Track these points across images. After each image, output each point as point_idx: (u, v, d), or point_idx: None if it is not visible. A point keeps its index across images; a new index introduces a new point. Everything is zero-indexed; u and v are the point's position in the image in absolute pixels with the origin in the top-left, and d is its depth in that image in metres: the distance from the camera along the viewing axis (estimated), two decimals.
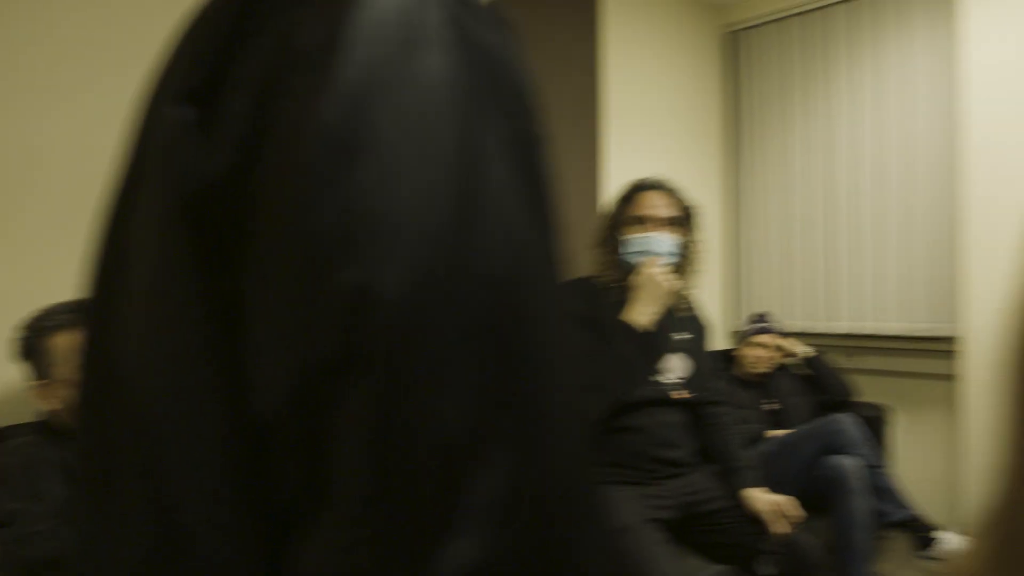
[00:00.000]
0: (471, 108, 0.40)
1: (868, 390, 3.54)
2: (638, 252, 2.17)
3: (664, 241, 2.18)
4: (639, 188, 2.26)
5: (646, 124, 3.75)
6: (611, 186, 3.49)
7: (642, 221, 2.20)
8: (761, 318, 3.45)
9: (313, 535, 0.36)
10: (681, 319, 2.31)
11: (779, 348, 3.34)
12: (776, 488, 2.80)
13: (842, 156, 3.76)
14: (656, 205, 2.22)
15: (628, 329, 2.02)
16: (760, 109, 4.08)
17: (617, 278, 2.21)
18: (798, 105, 3.93)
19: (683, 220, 2.25)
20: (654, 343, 2.06)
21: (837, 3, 3.77)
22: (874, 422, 3.26)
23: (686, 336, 2.29)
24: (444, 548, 0.34)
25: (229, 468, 0.40)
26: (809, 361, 3.36)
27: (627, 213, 2.23)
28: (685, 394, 2.23)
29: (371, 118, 0.37)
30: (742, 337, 3.43)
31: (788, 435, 2.94)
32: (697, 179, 4.03)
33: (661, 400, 2.21)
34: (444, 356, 0.35)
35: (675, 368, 2.25)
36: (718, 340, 4.03)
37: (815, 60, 3.87)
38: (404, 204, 0.36)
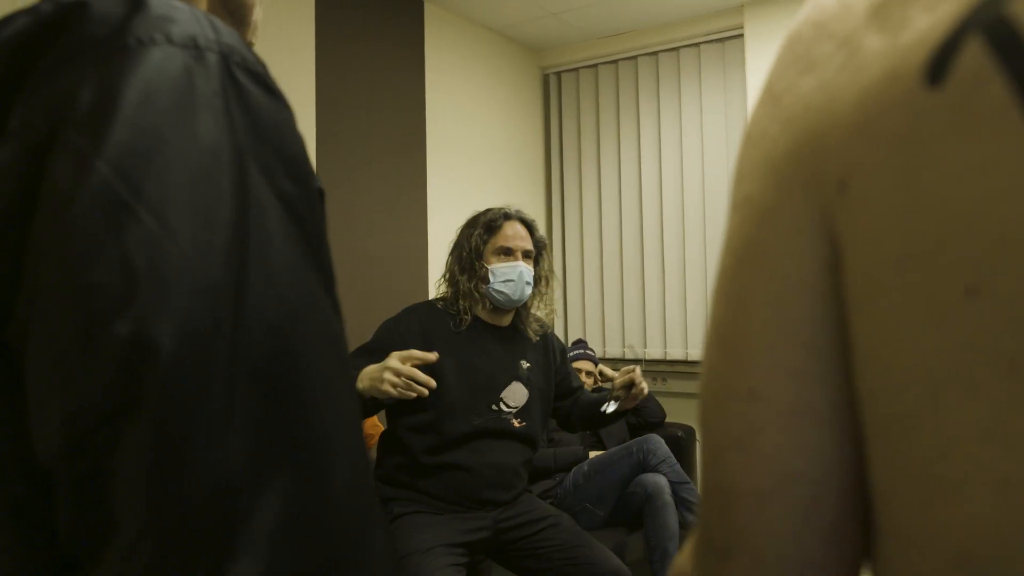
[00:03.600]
0: (244, 168, 0.43)
1: (677, 412, 3.81)
2: (506, 281, 2.21)
3: (528, 272, 2.24)
4: (504, 217, 2.29)
5: (468, 157, 3.87)
6: (433, 216, 3.58)
7: (509, 252, 2.24)
8: (580, 344, 3.65)
9: (98, 573, 0.39)
10: (533, 346, 2.35)
11: (598, 374, 3.54)
12: (595, 504, 2.97)
13: (650, 194, 4.06)
14: (522, 236, 2.27)
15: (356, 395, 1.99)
16: (578, 147, 4.32)
17: (471, 306, 2.23)
18: (611, 145, 4.20)
19: (539, 252, 2.33)
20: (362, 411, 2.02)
21: (643, 55, 4.09)
22: (683, 441, 3.51)
23: (529, 366, 2.32)
24: (226, 573, 0.37)
25: (9, 515, 0.42)
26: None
27: (493, 243, 2.25)
28: (516, 423, 2.26)
29: (143, 178, 0.40)
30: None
31: (605, 455, 3.11)
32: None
33: (499, 431, 2.21)
34: (218, 399, 0.39)
35: (514, 396, 2.28)
36: None
37: (627, 104, 4.16)
38: (177, 259, 0.39)
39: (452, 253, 2.32)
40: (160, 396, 0.38)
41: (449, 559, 2.03)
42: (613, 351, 4.11)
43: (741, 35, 3.77)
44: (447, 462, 2.15)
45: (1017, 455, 0.25)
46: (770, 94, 0.34)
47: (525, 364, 2.30)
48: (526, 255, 2.27)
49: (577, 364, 3.50)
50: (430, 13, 3.64)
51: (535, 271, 2.31)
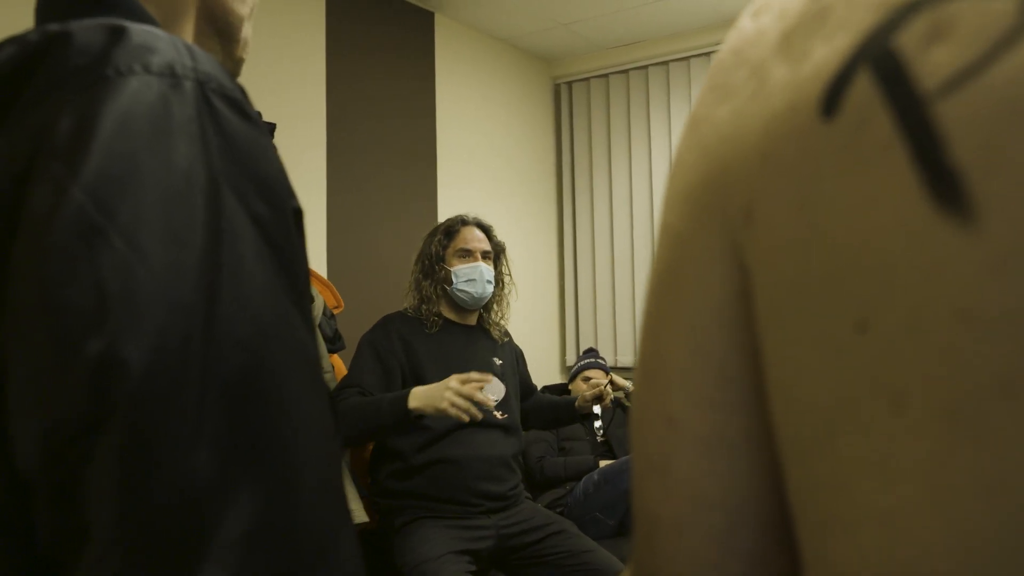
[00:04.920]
0: (218, 192, 0.45)
1: None
2: (468, 281, 2.36)
3: (488, 271, 2.39)
4: (462, 223, 2.45)
5: (479, 167, 3.89)
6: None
7: (468, 254, 2.39)
8: (590, 353, 3.65)
9: None
10: (500, 346, 2.49)
11: (610, 383, 3.54)
12: (605, 513, 2.96)
13: (661, 203, 4.05)
14: (479, 239, 2.43)
15: (401, 403, 2.06)
16: (589, 156, 4.33)
17: (437, 310, 2.37)
18: (622, 154, 4.21)
19: (496, 255, 2.48)
20: (407, 426, 2.10)
21: (654, 65, 4.10)
22: None
23: (501, 362, 2.46)
24: None
25: None
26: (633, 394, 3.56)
27: (452, 246, 2.40)
28: (499, 416, 2.36)
29: (117, 203, 0.42)
30: (574, 372, 3.60)
31: (615, 464, 3.11)
32: (531, 221, 4.22)
33: (483, 423, 2.28)
34: (187, 414, 0.40)
35: (493, 390, 2.38)
36: (553, 375, 4.20)
37: (638, 114, 4.17)
38: (149, 281, 0.41)
39: (416, 263, 2.45)
40: (130, 411, 0.40)
41: (460, 566, 2.07)
42: (624, 360, 4.10)
43: None
44: (437, 458, 2.21)
45: (900, 490, 0.25)
46: (692, 122, 0.35)
47: (498, 361, 2.43)
48: (485, 256, 2.42)
49: (588, 373, 3.50)
50: (440, 24, 3.66)
51: (495, 271, 2.46)
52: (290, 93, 2.92)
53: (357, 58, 3.23)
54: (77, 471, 0.40)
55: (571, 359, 4.25)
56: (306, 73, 3.02)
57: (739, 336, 0.32)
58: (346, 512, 0.50)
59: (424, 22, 3.59)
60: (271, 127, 2.20)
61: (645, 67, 4.14)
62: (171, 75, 0.47)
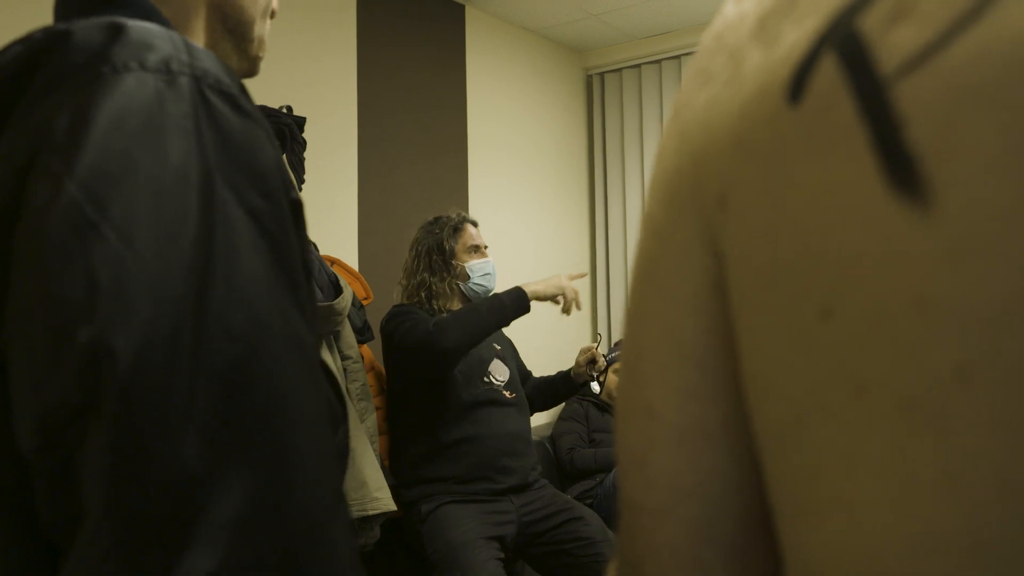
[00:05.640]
0: (212, 186, 0.46)
1: None
2: (484, 275, 2.46)
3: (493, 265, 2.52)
4: (463, 220, 2.55)
5: (511, 158, 3.89)
6: (475, 217, 3.61)
7: (477, 249, 2.50)
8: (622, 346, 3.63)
9: (69, 555, 0.42)
10: (494, 334, 2.56)
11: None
12: None
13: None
14: (480, 236, 2.55)
15: (518, 291, 2.30)
16: (621, 147, 4.30)
17: (445, 304, 2.43)
18: (654, 145, 4.17)
19: None
20: (525, 309, 2.31)
21: (686, 55, 4.06)
22: None
23: (500, 348, 2.55)
24: (181, 562, 0.40)
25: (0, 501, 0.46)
26: None
27: (463, 243, 2.49)
28: (508, 395, 2.44)
29: (110, 198, 0.43)
30: (605, 364, 3.59)
31: None
32: (563, 212, 4.20)
33: (495, 401, 2.38)
34: (177, 401, 0.42)
35: (499, 372, 2.49)
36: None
37: (671, 104, 4.11)
38: (140, 273, 0.42)
39: (420, 260, 2.49)
40: (119, 398, 0.41)
41: (491, 552, 2.11)
42: None
43: None
44: (459, 437, 2.28)
45: (864, 480, 0.25)
46: (676, 108, 0.34)
47: (497, 346, 2.53)
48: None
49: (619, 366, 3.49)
50: (471, 16, 3.66)
51: None
52: (322, 86, 2.95)
53: (388, 51, 3.25)
54: (71, 454, 0.42)
55: (602, 351, 4.23)
56: (338, 66, 3.04)
57: (715, 326, 0.32)
58: (340, 499, 0.51)
59: (455, 14, 3.59)
60: (301, 120, 2.19)
61: (678, 57, 4.10)
62: (167, 71, 0.48)
